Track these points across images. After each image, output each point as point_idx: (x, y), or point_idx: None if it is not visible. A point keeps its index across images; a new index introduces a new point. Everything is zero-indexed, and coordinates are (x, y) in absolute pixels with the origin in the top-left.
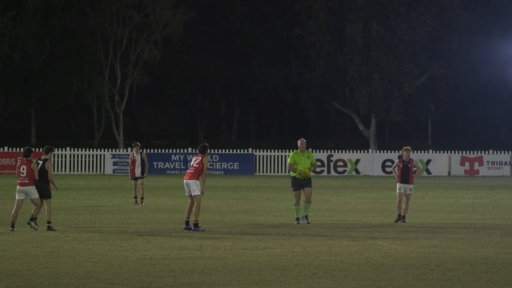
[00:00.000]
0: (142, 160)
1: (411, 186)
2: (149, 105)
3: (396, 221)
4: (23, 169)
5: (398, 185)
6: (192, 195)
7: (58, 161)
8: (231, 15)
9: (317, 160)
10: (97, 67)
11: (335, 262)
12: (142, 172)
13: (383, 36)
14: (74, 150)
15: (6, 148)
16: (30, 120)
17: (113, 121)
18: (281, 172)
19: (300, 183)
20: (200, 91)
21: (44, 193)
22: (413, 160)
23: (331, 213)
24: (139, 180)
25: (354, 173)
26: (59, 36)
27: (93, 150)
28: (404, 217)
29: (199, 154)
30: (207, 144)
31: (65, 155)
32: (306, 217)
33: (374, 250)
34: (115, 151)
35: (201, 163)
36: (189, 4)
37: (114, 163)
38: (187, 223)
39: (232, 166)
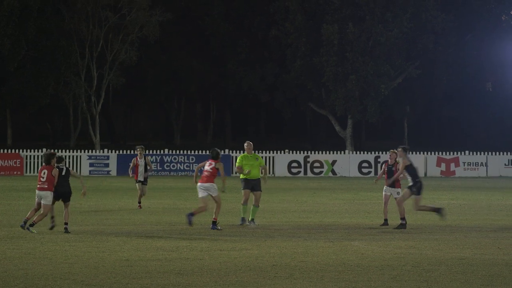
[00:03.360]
0: (146, 165)
1: (398, 190)
2: (125, 106)
3: (382, 225)
4: (44, 173)
5: (384, 187)
6: (213, 195)
7: (34, 162)
8: (207, 16)
9: (294, 161)
10: (73, 68)
11: (312, 263)
12: (146, 178)
13: (359, 38)
14: (50, 151)
15: None
16: (5, 121)
17: (89, 122)
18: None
19: (250, 184)
20: (176, 91)
21: (66, 197)
22: (398, 163)
23: (307, 214)
24: (144, 187)
25: (330, 174)
26: (34, 37)
27: (69, 151)
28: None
29: (213, 160)
30: (218, 149)
31: (41, 156)
32: (253, 220)
33: (351, 251)
34: (92, 152)
35: (215, 168)
36: (165, 5)
37: (91, 164)
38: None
39: None
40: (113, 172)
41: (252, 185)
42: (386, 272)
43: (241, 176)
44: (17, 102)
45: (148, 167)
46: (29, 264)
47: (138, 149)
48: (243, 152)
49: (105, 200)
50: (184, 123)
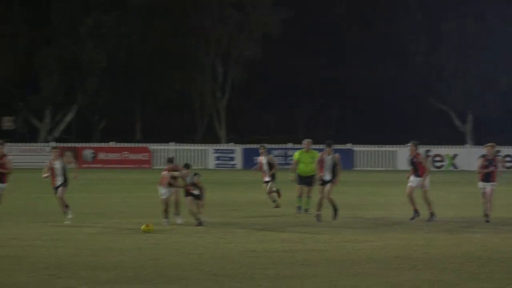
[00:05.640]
0: (269, 163)
1: (493, 183)
2: (249, 101)
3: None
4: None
5: (480, 184)
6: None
7: (162, 156)
8: (328, 13)
9: None
10: (199, 65)
11: (434, 255)
12: (272, 176)
13: (479, 34)
14: (178, 145)
15: (113, 143)
16: (135, 116)
17: (215, 117)
18: (380, 166)
19: (304, 180)
20: (299, 87)
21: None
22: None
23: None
24: (269, 184)
25: (451, 168)
26: (162, 35)
27: (196, 145)
28: (487, 215)
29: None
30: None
31: (169, 150)
32: (307, 210)
33: (472, 243)
34: (217, 146)
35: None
36: (288, 2)
37: (217, 158)
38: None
39: None
40: (239, 165)
41: (306, 181)
42: (508, 265)
43: (297, 171)
44: (146, 98)
45: (273, 166)
46: (159, 255)
47: (260, 149)
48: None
49: (231, 193)
50: (307, 118)
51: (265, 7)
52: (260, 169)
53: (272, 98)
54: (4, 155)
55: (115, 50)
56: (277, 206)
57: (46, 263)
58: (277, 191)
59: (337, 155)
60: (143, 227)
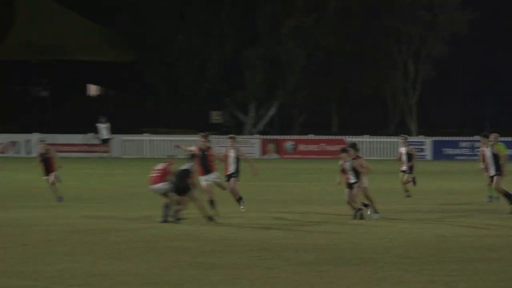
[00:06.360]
0: (408, 154)
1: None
2: (438, 96)
3: None
4: None
5: None
6: None
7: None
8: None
9: None
10: (392, 62)
11: None
12: (409, 167)
13: None
14: (371, 137)
15: (311, 135)
16: (332, 110)
17: (407, 111)
18: None
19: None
20: (485, 83)
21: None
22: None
23: None
24: (406, 175)
25: None
26: (358, 35)
27: (388, 138)
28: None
29: None
30: None
31: (363, 142)
32: (490, 196)
33: None
34: (409, 138)
35: None
36: (474, 4)
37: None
38: None
39: None
40: (428, 156)
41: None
42: None
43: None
44: (342, 94)
45: (412, 157)
46: (355, 239)
47: (401, 139)
48: None
49: (421, 182)
50: (493, 112)
51: (453, 8)
52: (399, 159)
53: (459, 93)
54: (209, 148)
55: (314, 50)
56: (408, 196)
57: (252, 245)
58: (413, 179)
59: (495, 146)
60: None
